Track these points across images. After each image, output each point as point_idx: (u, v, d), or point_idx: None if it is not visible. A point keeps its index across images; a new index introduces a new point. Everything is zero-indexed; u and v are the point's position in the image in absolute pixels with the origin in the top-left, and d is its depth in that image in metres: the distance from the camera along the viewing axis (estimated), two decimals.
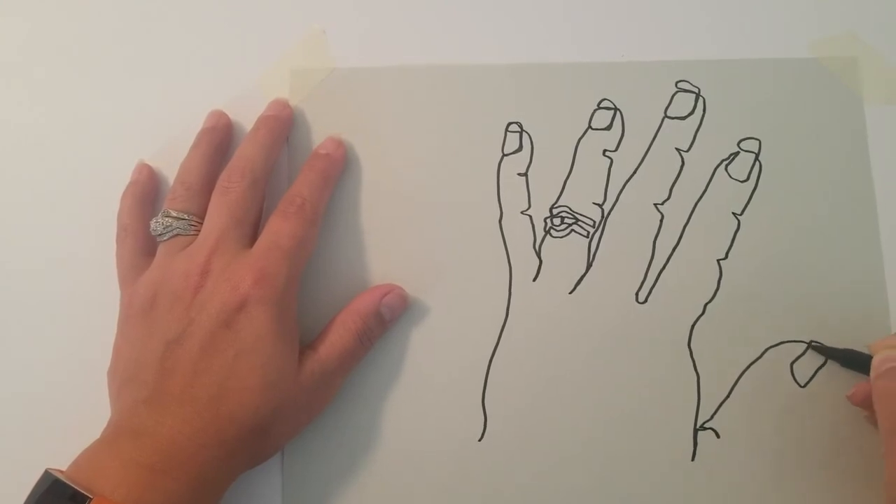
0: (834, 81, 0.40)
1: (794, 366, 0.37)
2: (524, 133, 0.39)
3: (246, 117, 0.39)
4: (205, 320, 0.32)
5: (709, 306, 0.38)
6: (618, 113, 0.39)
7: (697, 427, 0.37)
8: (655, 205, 0.39)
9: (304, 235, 0.35)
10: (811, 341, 0.37)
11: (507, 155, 0.39)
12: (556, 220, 0.39)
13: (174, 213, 0.36)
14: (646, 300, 0.38)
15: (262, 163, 0.37)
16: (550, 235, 0.38)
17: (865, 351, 0.35)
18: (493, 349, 0.37)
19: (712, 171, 0.39)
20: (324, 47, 0.41)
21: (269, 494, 0.36)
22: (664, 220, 0.38)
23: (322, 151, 0.38)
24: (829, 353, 0.36)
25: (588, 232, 0.38)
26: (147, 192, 0.39)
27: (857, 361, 0.35)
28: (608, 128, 0.39)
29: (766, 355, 0.37)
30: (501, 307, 0.38)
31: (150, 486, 0.30)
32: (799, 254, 0.38)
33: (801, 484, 0.36)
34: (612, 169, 0.39)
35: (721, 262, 0.38)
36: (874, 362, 0.33)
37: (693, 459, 0.36)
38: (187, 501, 0.30)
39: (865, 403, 0.34)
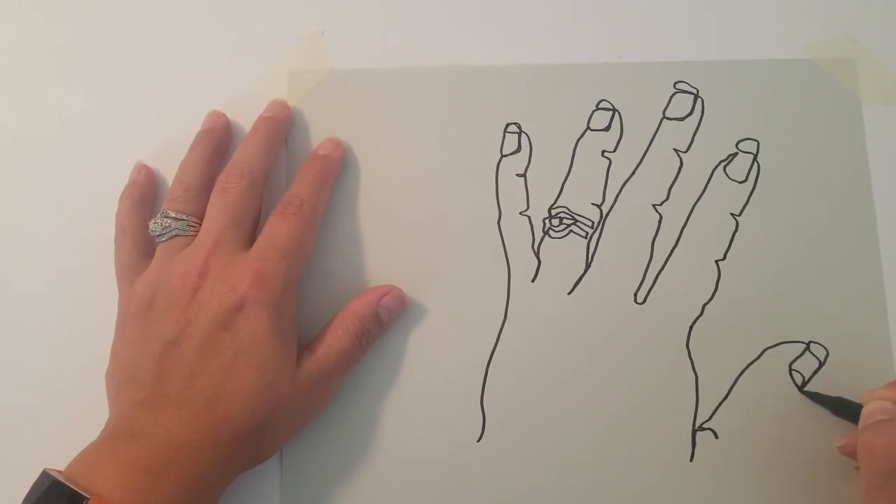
0: (831, 83, 0.40)
1: (793, 366, 0.37)
2: (523, 134, 0.39)
3: (244, 118, 0.39)
4: (202, 321, 0.32)
5: (707, 307, 0.38)
6: (616, 114, 0.39)
7: (696, 428, 0.37)
8: (654, 205, 0.39)
9: (302, 236, 0.35)
10: (809, 342, 0.37)
11: (505, 156, 0.39)
12: (555, 221, 0.39)
13: (173, 214, 0.36)
14: (644, 301, 0.38)
15: (260, 164, 0.37)
16: (549, 236, 0.38)
17: (857, 400, 0.34)
18: (491, 350, 0.37)
19: (711, 172, 0.39)
20: (322, 48, 0.41)
21: (268, 495, 0.36)
22: (662, 221, 0.38)
23: (320, 152, 0.38)
24: (819, 400, 0.36)
25: (587, 233, 0.38)
26: (145, 193, 0.39)
27: (847, 410, 0.35)
28: (607, 128, 0.39)
29: (764, 356, 0.37)
30: (500, 308, 0.38)
31: (148, 488, 0.30)
32: (797, 254, 0.38)
33: (800, 484, 0.36)
34: (610, 170, 0.39)
35: (719, 262, 0.38)
36: (863, 413, 0.32)
37: (691, 460, 0.36)
38: (185, 503, 0.30)
39: (855, 454, 0.33)
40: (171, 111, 0.40)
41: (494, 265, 0.38)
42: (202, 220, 0.36)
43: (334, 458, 0.37)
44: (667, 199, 0.39)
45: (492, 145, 0.39)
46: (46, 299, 0.39)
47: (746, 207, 0.38)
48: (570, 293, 0.38)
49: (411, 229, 0.39)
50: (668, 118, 0.39)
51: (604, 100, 0.40)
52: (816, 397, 0.36)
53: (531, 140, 0.39)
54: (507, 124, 0.39)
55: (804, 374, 0.37)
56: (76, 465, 0.31)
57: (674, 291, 0.38)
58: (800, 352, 0.37)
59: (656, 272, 0.38)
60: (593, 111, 0.39)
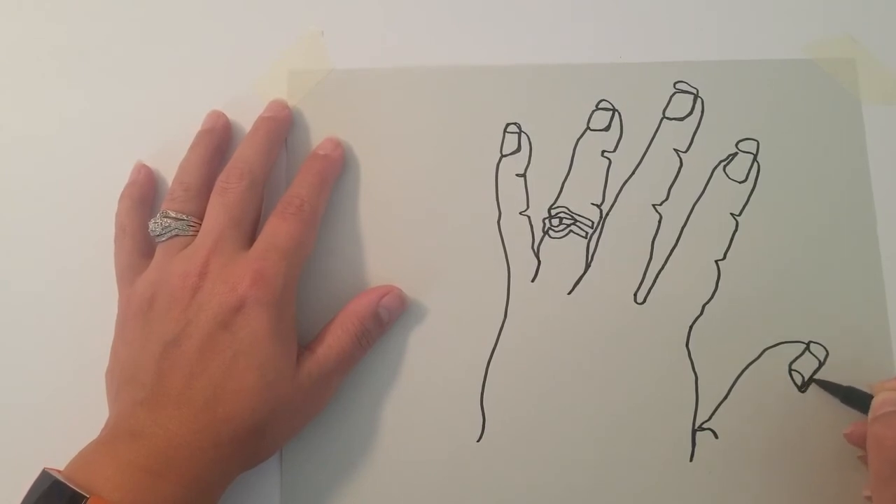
0: (831, 83, 0.40)
1: (793, 366, 0.37)
2: (523, 134, 0.39)
3: (244, 118, 0.39)
4: (202, 321, 0.32)
5: (707, 307, 0.38)
6: (616, 114, 0.39)
7: (696, 428, 0.37)
8: (654, 205, 0.39)
9: (302, 236, 0.35)
10: (809, 341, 0.37)
11: (505, 156, 0.39)
12: (555, 221, 0.39)
13: (173, 214, 0.36)
14: (644, 301, 0.38)
15: (260, 164, 0.37)
16: (549, 236, 0.38)
17: (867, 390, 0.34)
18: (491, 350, 0.37)
19: (710, 171, 0.39)
20: (322, 48, 0.41)
21: (268, 495, 0.36)
22: (662, 221, 0.38)
23: (320, 152, 0.38)
24: (830, 389, 0.36)
25: (586, 232, 0.38)
26: (145, 193, 0.39)
27: (857, 400, 0.35)
28: (607, 128, 0.39)
29: (764, 356, 0.37)
30: (500, 308, 0.38)
31: (147, 487, 0.30)
32: (797, 254, 0.38)
33: (800, 484, 0.36)
34: (610, 170, 0.39)
35: (719, 262, 0.38)
36: (873, 404, 0.32)
37: (691, 460, 0.36)
38: (185, 503, 0.30)
39: (862, 443, 0.33)
40: (171, 111, 0.40)
41: (494, 265, 0.38)
42: (202, 220, 0.36)
43: (334, 458, 0.37)
44: (667, 199, 0.39)
45: (492, 145, 0.39)
46: (46, 299, 0.39)
47: (746, 207, 0.38)
48: (570, 293, 0.38)
49: (411, 229, 0.39)
50: (668, 118, 0.39)
51: (604, 100, 0.40)
52: (826, 385, 0.36)
53: (531, 140, 0.39)
54: (507, 124, 0.39)
55: (804, 374, 0.37)
56: (76, 465, 0.31)
57: (674, 291, 0.38)
58: (800, 352, 0.37)
59: (656, 272, 0.38)
60: (593, 111, 0.39)
